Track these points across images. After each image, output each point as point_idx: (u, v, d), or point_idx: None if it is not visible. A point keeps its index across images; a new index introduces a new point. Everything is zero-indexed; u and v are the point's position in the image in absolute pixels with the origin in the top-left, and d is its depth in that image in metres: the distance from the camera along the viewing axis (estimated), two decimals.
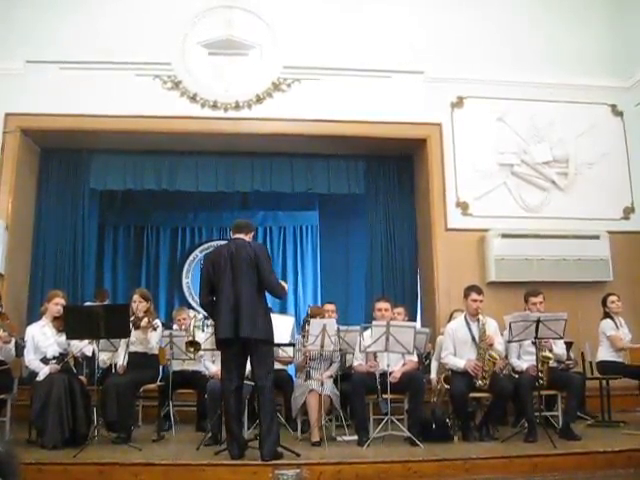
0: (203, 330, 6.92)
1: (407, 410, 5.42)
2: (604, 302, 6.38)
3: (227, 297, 4.67)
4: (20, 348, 5.44)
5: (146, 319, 5.51)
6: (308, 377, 5.62)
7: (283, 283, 4.98)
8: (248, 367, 4.85)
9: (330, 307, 6.60)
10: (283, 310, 9.73)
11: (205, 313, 5.41)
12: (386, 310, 5.74)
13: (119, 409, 5.16)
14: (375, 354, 5.44)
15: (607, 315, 6.32)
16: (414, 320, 7.33)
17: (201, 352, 5.89)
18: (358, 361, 5.62)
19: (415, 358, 5.66)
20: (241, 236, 4.93)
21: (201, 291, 4.99)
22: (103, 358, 6.28)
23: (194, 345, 5.68)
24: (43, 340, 5.36)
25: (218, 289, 4.74)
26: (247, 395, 5.27)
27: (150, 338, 5.56)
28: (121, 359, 5.72)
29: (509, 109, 7.87)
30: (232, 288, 4.67)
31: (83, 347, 5.47)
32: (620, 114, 8.10)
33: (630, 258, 7.69)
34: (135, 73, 7.46)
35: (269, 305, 5.04)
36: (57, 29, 7.44)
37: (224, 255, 4.79)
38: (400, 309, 6.51)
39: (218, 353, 5.28)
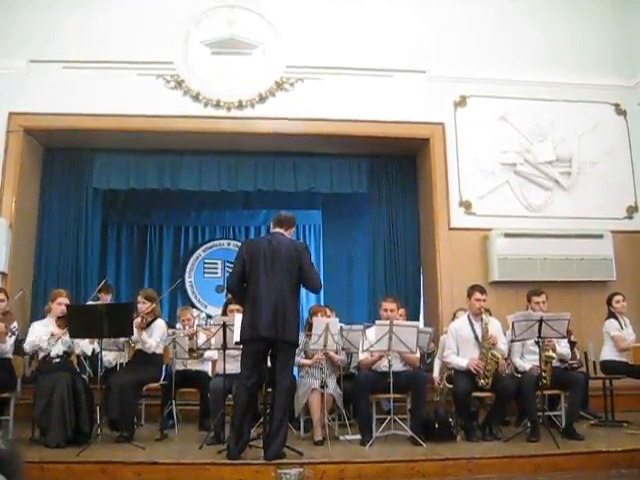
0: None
1: (410, 409, 5.42)
2: (609, 302, 6.36)
3: (263, 295, 4.53)
4: (19, 345, 5.45)
5: (139, 319, 5.45)
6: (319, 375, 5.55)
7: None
8: None
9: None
10: None
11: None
12: (392, 311, 5.64)
13: (122, 408, 5.17)
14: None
15: (612, 315, 6.28)
16: (416, 320, 7.32)
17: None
18: (364, 355, 5.58)
19: (417, 354, 5.63)
20: (281, 231, 4.79)
21: (232, 277, 4.83)
22: (109, 358, 6.30)
23: (195, 351, 6.02)
24: (47, 338, 5.34)
25: (252, 283, 4.61)
26: None
27: (144, 338, 5.48)
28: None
29: (512, 108, 7.86)
30: (269, 287, 4.53)
31: (84, 346, 5.49)
32: (623, 113, 8.09)
33: (634, 257, 7.67)
34: (138, 72, 7.47)
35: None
36: (60, 28, 7.45)
37: (263, 249, 4.64)
38: (401, 310, 6.46)
39: None
